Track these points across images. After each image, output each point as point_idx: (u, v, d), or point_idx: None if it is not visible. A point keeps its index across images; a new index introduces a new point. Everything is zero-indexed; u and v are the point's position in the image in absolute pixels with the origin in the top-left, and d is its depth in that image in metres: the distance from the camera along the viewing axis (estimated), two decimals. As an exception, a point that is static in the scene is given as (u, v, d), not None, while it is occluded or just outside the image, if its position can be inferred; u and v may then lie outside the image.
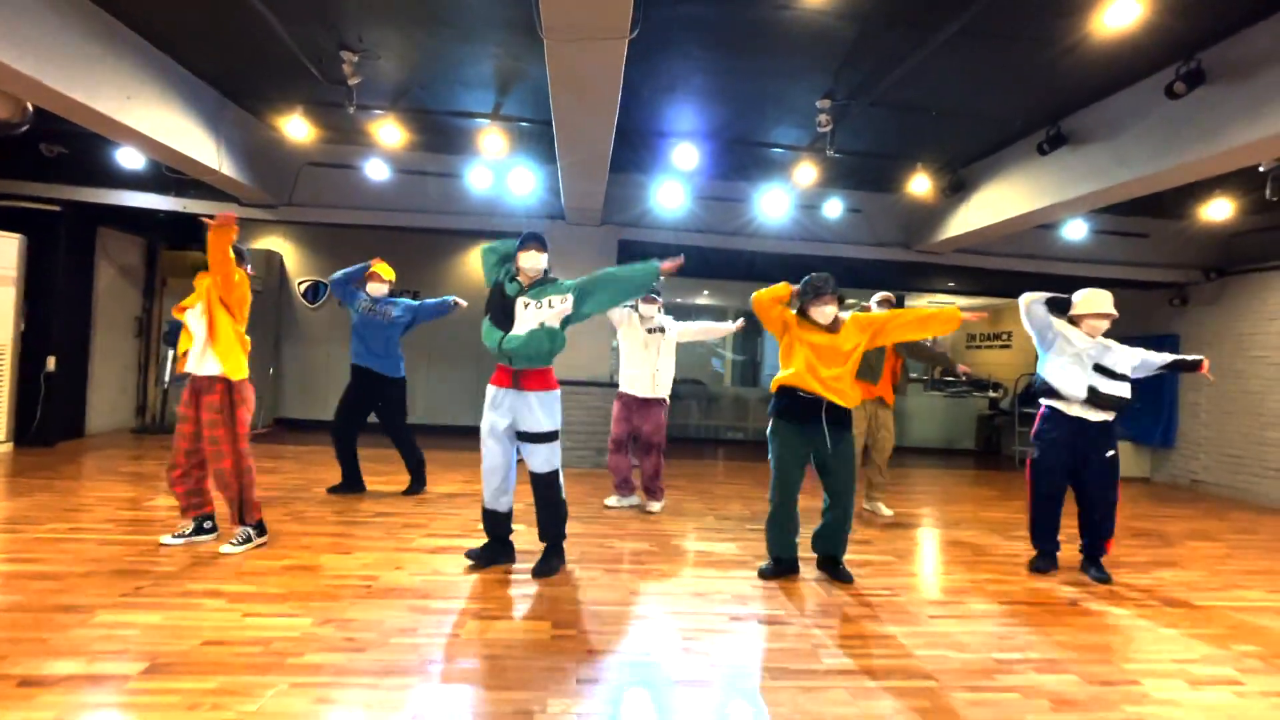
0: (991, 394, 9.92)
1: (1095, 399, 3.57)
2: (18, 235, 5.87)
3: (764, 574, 3.42)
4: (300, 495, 4.69)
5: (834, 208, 6.45)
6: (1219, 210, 5.98)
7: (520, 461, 3.33)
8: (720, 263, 7.39)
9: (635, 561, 3.62)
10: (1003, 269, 7.11)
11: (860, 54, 3.92)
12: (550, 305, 3.13)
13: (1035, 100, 4.47)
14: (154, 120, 4.44)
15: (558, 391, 3.30)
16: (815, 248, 6.81)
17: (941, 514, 5.32)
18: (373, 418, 4.82)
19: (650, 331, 4.77)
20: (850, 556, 3.89)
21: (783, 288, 3.34)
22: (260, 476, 5.19)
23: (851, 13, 3.46)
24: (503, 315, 3.16)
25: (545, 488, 3.29)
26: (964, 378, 4.96)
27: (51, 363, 6.15)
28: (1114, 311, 3.70)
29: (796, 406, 3.29)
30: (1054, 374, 3.68)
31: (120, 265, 7.15)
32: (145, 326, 7.57)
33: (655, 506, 4.82)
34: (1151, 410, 7.52)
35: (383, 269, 4.76)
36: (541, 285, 3.21)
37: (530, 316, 3.13)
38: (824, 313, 3.32)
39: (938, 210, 6.32)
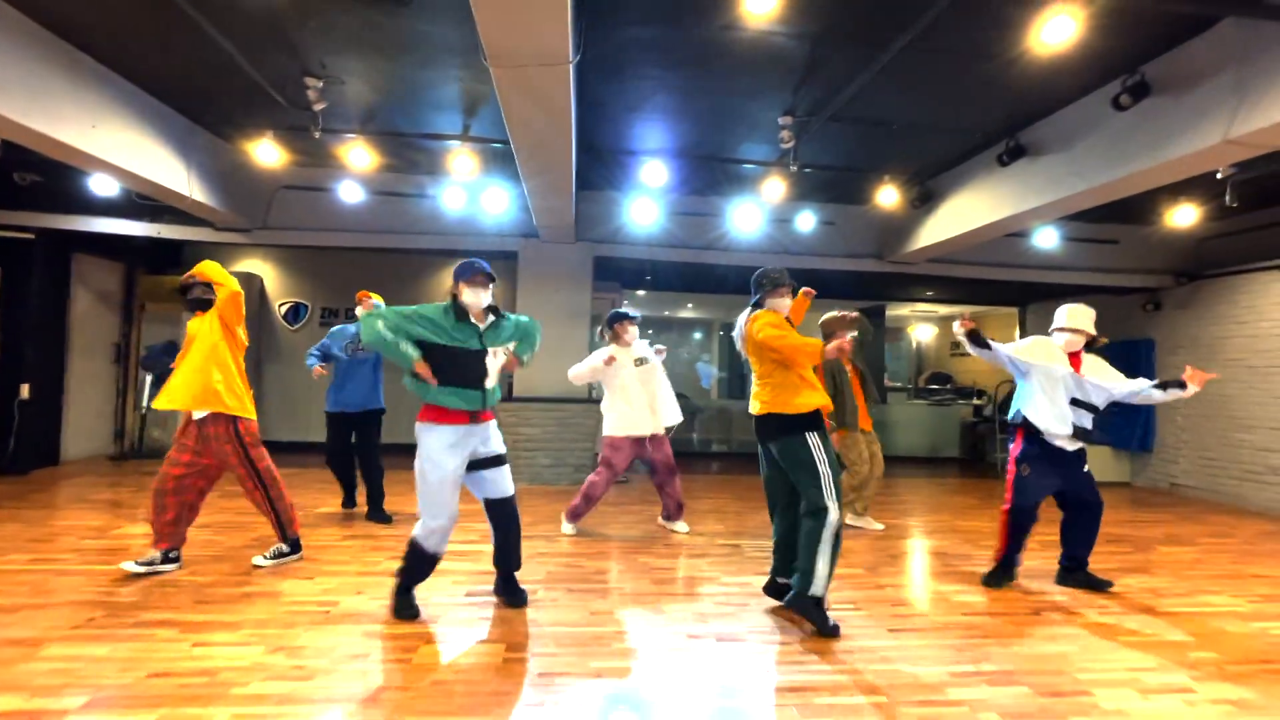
0: (975, 401, 9.96)
1: (1076, 433, 3.56)
2: (-9, 264, 5.89)
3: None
4: (270, 519, 4.66)
5: (806, 221, 6.51)
6: (1185, 216, 6.06)
7: None
8: (694, 277, 7.44)
9: (600, 581, 3.61)
10: (977, 277, 7.18)
11: (815, 71, 3.99)
12: (503, 354, 3.07)
13: (991, 113, 4.55)
14: (120, 148, 4.47)
15: None
16: (789, 260, 6.86)
17: (918, 524, 5.32)
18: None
19: (638, 363, 4.56)
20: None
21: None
22: (232, 500, 5.23)
23: (800, 32, 3.53)
24: (481, 371, 2.96)
25: (515, 511, 3.18)
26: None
27: (25, 390, 6.13)
28: (1091, 329, 3.56)
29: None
30: (1036, 412, 3.56)
31: (97, 291, 7.16)
32: (123, 352, 7.56)
33: (683, 527, 4.73)
34: (1129, 415, 7.56)
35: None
36: (496, 327, 3.05)
37: (496, 365, 3.03)
38: (783, 305, 3.17)
39: (908, 221, 6.39)
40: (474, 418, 2.96)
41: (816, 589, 2.92)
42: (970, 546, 4.58)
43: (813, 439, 2.98)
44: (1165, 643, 2.99)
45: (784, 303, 3.19)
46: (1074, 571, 3.71)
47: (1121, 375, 3.64)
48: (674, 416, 4.68)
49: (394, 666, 2.52)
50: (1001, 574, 3.74)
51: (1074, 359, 3.60)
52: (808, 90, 4.26)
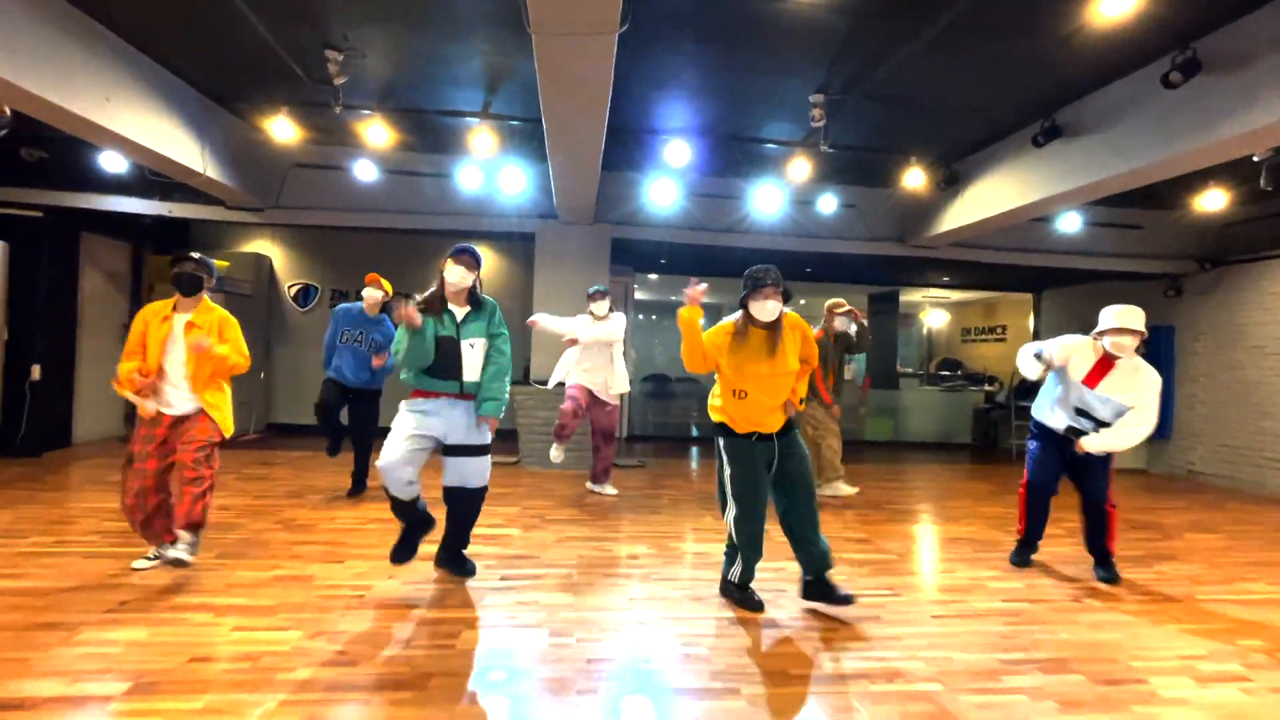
0: (987, 388, 9.92)
1: (1072, 434, 3.56)
2: (0, 243, 5.78)
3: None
4: (292, 502, 4.62)
5: (828, 203, 6.41)
6: (1213, 200, 5.97)
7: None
8: (713, 260, 7.34)
9: (635, 566, 3.57)
10: (997, 262, 7.09)
11: (853, 47, 3.87)
12: (480, 347, 3.08)
13: (1029, 92, 4.43)
14: (135, 123, 4.35)
15: None
16: (809, 244, 6.78)
17: (940, 510, 5.29)
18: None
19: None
20: (850, 555, 3.86)
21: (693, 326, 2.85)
22: (251, 484, 5.19)
23: (844, 5, 3.41)
24: (457, 361, 2.99)
25: (472, 500, 3.16)
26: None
27: (36, 371, 6.05)
28: (1140, 328, 3.31)
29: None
30: (1040, 406, 3.72)
31: (105, 271, 7.04)
32: (133, 333, 7.46)
33: (610, 490, 5.15)
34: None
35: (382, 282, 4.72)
36: (471, 319, 3.06)
37: (473, 358, 3.03)
38: (766, 309, 2.84)
39: (932, 204, 6.28)
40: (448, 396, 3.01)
41: (726, 576, 3.09)
42: (997, 532, 4.54)
43: (719, 443, 3.01)
44: (1212, 630, 2.96)
45: (768, 305, 2.82)
46: (1096, 563, 3.71)
47: (1141, 402, 3.35)
48: (621, 386, 5.04)
49: (439, 652, 2.47)
50: (1026, 550, 3.83)
51: (1105, 364, 3.38)
52: (842, 66, 4.14)
